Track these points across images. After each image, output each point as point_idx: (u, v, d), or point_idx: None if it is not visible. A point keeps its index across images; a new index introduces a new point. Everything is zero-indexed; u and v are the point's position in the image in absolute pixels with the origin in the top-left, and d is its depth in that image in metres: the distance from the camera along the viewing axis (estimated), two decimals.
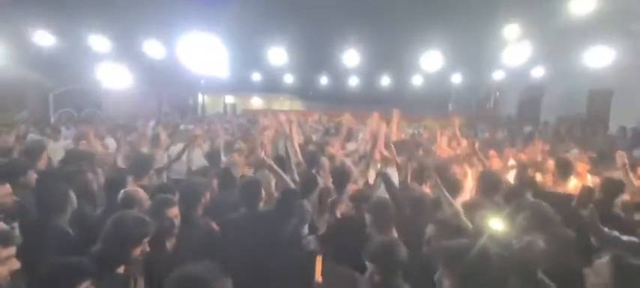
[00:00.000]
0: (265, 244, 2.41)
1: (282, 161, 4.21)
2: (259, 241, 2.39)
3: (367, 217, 2.42)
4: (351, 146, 5.53)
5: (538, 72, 11.20)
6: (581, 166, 4.17)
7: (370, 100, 15.26)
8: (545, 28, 8.54)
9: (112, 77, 8.35)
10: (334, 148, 4.99)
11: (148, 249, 1.87)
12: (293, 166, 3.48)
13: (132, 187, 2.81)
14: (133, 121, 8.86)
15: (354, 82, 14.99)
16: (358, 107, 13.86)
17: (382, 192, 3.23)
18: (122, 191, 2.52)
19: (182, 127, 8.39)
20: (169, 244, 2.16)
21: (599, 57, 7.78)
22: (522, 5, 8.32)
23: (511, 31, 8.98)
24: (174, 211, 2.27)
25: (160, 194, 2.45)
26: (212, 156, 4.14)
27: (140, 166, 3.38)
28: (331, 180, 3.33)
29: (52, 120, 11.11)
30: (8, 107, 10.96)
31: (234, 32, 8.41)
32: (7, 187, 2.49)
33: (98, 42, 8.76)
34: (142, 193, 2.52)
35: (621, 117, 9.10)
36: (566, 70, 9.97)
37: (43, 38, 8.18)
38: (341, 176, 3.19)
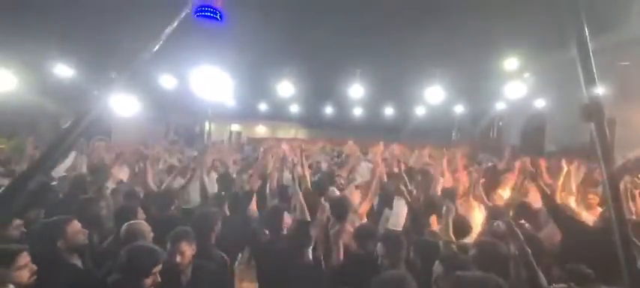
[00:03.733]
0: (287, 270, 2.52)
1: (285, 190, 4.28)
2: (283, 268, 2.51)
3: (379, 248, 2.43)
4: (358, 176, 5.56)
5: (540, 103, 11.34)
6: (593, 198, 4.15)
7: (374, 129, 15.43)
8: (546, 60, 8.77)
9: (123, 107, 8.59)
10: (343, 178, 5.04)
11: (159, 279, 1.90)
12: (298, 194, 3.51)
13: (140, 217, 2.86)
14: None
15: (358, 111, 15.21)
16: (362, 136, 13.99)
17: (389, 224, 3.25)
18: (125, 224, 2.52)
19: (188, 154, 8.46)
20: (184, 277, 2.20)
21: (599, 88, 7.93)
22: (522, 39, 8.59)
23: (511, 63, 9.21)
24: (184, 247, 2.25)
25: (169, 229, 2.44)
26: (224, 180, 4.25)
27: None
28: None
29: None
30: (19, 133, 11.23)
31: (242, 64, 8.71)
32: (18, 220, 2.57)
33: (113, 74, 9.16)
34: (145, 226, 2.54)
35: (625, 147, 9.11)
36: (568, 101, 10.10)
37: (63, 71, 8.62)
38: (340, 208, 3.13)
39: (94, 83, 9.37)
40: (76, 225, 2.33)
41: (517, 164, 4.60)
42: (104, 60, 8.85)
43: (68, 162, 6.34)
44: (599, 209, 3.83)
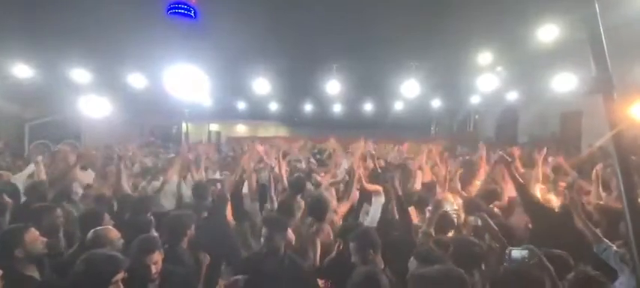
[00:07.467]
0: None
1: (265, 189, 4.21)
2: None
3: (351, 246, 2.42)
4: (339, 174, 5.52)
5: (512, 96, 11.72)
6: (562, 185, 4.35)
7: (354, 125, 15.50)
8: (517, 54, 9.04)
9: (93, 108, 8.22)
10: (322, 176, 5.03)
11: None
12: (273, 195, 3.51)
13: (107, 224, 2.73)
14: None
15: (337, 108, 15.23)
16: (342, 132, 14.00)
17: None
18: (92, 231, 2.41)
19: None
20: (152, 286, 2.12)
21: (567, 81, 8.28)
22: (494, 34, 8.81)
23: (485, 57, 9.46)
24: (155, 257, 2.18)
25: (140, 234, 2.37)
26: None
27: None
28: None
29: (27, 151, 10.76)
30: None
31: (218, 62, 8.51)
32: None
33: (79, 74, 8.72)
34: (113, 232, 2.44)
35: (591, 137, 9.55)
36: (538, 93, 10.49)
37: (23, 71, 8.14)
38: (318, 207, 3.14)
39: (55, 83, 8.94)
40: (33, 233, 2.23)
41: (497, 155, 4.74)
42: (64, 59, 8.43)
43: (32, 167, 5.99)
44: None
